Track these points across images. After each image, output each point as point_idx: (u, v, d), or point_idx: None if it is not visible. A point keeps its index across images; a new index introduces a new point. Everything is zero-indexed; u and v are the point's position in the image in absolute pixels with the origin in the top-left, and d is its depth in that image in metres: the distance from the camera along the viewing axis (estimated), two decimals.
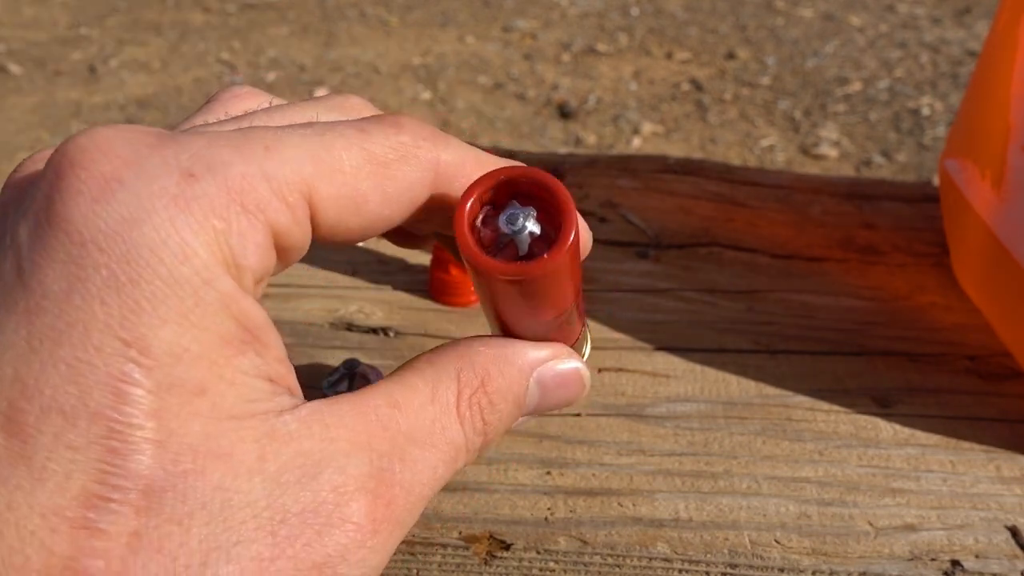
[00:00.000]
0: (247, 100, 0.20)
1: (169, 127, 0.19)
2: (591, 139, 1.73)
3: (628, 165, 0.45)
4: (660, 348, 0.33)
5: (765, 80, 1.98)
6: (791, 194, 0.43)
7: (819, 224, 0.41)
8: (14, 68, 2.03)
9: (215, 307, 0.15)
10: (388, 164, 0.18)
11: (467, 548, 0.25)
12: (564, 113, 1.82)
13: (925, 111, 1.80)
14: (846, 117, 1.80)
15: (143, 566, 0.14)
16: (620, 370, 0.31)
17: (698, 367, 0.32)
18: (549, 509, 0.26)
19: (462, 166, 0.19)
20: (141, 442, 0.14)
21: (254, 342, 0.16)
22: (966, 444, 0.28)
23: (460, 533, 0.25)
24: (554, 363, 0.20)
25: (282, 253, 0.17)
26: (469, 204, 0.17)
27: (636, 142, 1.72)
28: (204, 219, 0.15)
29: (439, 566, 0.25)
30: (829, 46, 2.13)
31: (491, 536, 0.25)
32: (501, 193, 0.17)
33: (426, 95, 1.87)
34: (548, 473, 0.27)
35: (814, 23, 2.27)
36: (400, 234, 0.23)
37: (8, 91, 1.92)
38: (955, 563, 0.24)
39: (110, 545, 0.14)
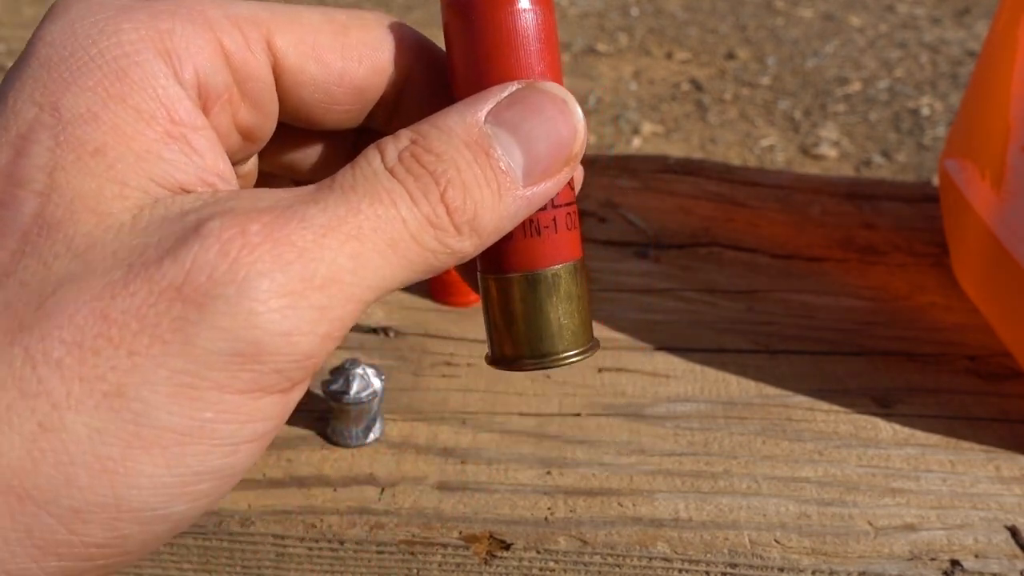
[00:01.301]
0: None
1: None
2: (591, 139, 1.73)
3: (628, 165, 0.45)
4: (660, 348, 0.33)
5: (765, 80, 1.98)
6: (791, 194, 0.43)
7: (819, 224, 0.41)
8: None
9: (139, 84, 0.16)
10: (347, 26, 0.18)
11: (467, 548, 0.25)
12: None
13: (925, 111, 1.81)
14: (846, 117, 1.80)
15: (3, 299, 0.14)
16: (620, 370, 0.31)
17: (698, 367, 0.32)
18: (549, 509, 0.26)
19: (434, 48, 0.19)
20: (28, 194, 0.15)
21: (180, 139, 0.16)
22: (966, 444, 0.29)
23: (460, 533, 0.25)
24: (514, 96, 0.17)
25: (244, 80, 0.17)
26: None
27: (636, 142, 1.72)
28: (148, 19, 0.16)
29: (439, 566, 0.25)
30: (829, 46, 2.13)
31: (491, 536, 0.25)
32: None
33: None
34: (548, 473, 0.27)
35: (814, 23, 2.27)
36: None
37: None
38: (954, 563, 0.24)
39: None
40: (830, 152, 1.67)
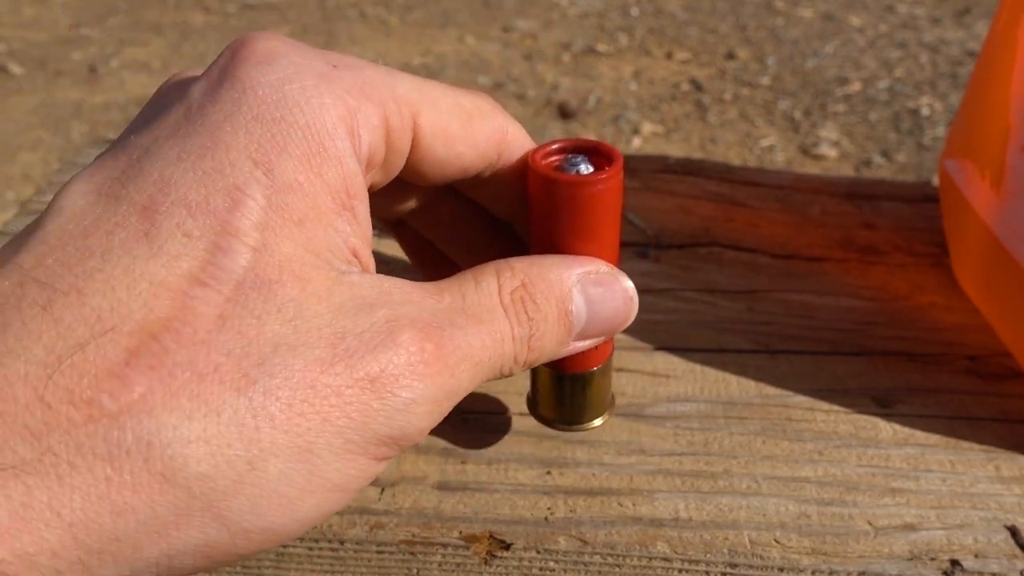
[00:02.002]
0: None
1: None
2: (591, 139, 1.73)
3: (628, 165, 0.45)
4: (660, 348, 0.33)
5: (765, 80, 1.98)
6: (791, 194, 0.43)
7: (819, 224, 0.41)
8: (15, 68, 2.03)
9: (332, 161, 0.18)
10: (472, 115, 0.21)
11: (467, 548, 0.25)
12: (564, 113, 1.82)
13: (925, 111, 1.81)
14: (846, 117, 1.80)
15: (223, 342, 0.16)
16: (620, 370, 0.31)
17: (698, 367, 0.32)
18: (549, 509, 0.26)
19: (524, 141, 0.23)
20: (242, 246, 0.17)
21: (350, 210, 0.19)
22: (966, 444, 0.29)
23: (460, 533, 0.25)
24: (597, 277, 0.22)
25: (390, 153, 0.20)
26: (543, 150, 0.22)
27: (636, 142, 1.72)
28: (341, 94, 0.19)
29: (439, 566, 0.25)
30: (829, 46, 2.13)
31: (491, 536, 0.25)
32: (563, 152, 0.23)
33: None
34: (548, 473, 0.27)
35: (814, 23, 2.27)
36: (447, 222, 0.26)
37: (9, 91, 1.92)
38: (954, 563, 0.24)
39: (200, 319, 0.16)
40: (830, 152, 1.67)
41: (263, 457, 0.16)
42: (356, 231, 0.19)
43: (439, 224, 0.26)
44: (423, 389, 0.18)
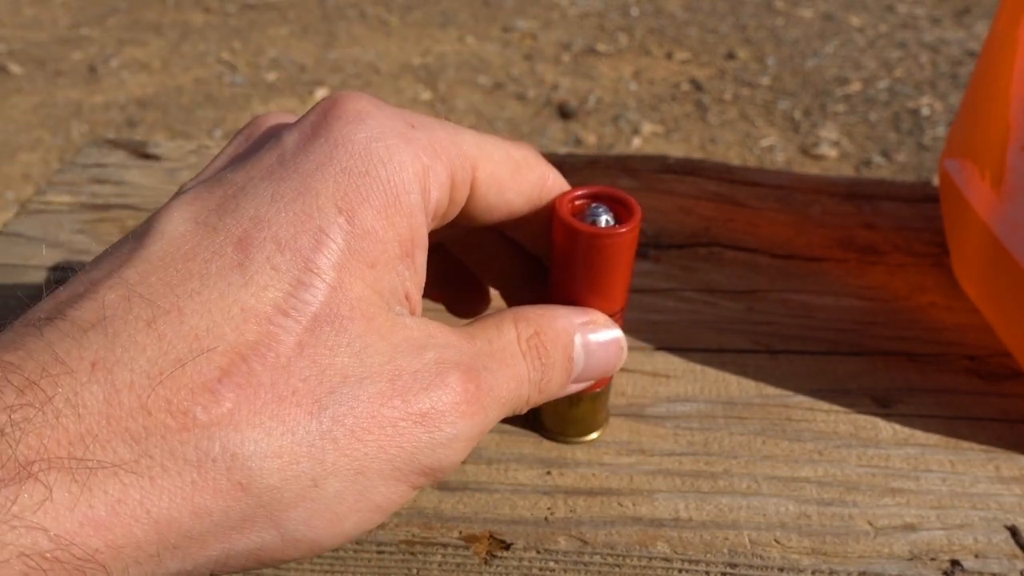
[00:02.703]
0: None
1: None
2: (591, 139, 1.73)
3: (628, 165, 0.45)
4: (660, 348, 0.33)
5: (765, 80, 1.98)
6: (791, 194, 0.43)
7: (819, 224, 0.41)
8: (14, 68, 2.02)
9: (404, 212, 0.20)
10: (519, 165, 0.24)
11: (467, 548, 0.25)
12: (564, 113, 1.82)
13: (925, 111, 1.81)
14: (846, 117, 1.80)
15: (300, 368, 0.18)
16: (620, 370, 0.31)
17: (698, 367, 0.32)
18: (549, 509, 0.26)
19: (561, 187, 0.25)
20: (320, 283, 0.19)
21: (411, 257, 0.21)
22: (966, 444, 0.29)
23: (460, 533, 0.25)
24: (594, 328, 0.24)
25: (450, 204, 0.22)
26: (570, 196, 0.25)
27: (636, 142, 1.72)
28: (417, 153, 0.21)
29: (439, 566, 0.25)
30: (829, 46, 2.13)
31: (491, 536, 0.25)
32: (588, 200, 0.25)
33: (426, 95, 1.87)
34: (548, 473, 0.27)
35: (814, 23, 2.27)
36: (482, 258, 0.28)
37: (8, 91, 1.92)
38: (954, 563, 0.24)
39: (282, 345, 0.18)
40: (830, 152, 1.67)
41: (324, 476, 0.18)
42: (412, 277, 0.21)
43: (475, 249, 0.28)
44: (464, 426, 0.20)
